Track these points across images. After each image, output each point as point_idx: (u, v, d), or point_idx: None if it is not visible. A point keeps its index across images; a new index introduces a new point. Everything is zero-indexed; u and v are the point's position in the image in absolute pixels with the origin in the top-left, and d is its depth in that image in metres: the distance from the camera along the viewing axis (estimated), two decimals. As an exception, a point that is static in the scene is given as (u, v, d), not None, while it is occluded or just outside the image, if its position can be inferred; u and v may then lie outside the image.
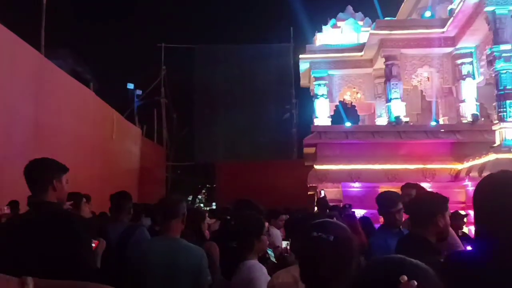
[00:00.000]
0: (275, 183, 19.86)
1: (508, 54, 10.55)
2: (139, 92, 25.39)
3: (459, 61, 13.47)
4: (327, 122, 15.42)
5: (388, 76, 13.62)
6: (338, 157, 12.52)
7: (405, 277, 1.12)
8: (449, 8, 13.30)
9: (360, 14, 16.76)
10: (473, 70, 13.36)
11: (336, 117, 16.21)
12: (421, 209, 2.92)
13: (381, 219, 4.52)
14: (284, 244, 5.20)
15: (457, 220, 6.22)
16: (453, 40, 13.41)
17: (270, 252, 4.33)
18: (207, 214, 5.79)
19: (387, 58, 13.71)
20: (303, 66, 16.66)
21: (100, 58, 27.76)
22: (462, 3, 11.80)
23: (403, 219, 4.04)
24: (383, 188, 8.78)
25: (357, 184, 12.26)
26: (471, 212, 8.26)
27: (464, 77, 13.33)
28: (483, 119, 13.53)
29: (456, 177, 11.95)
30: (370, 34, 14.02)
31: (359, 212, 9.46)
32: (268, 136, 24.99)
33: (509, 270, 1.68)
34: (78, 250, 2.54)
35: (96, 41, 29.51)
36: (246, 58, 25.66)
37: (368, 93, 15.94)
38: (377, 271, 1.22)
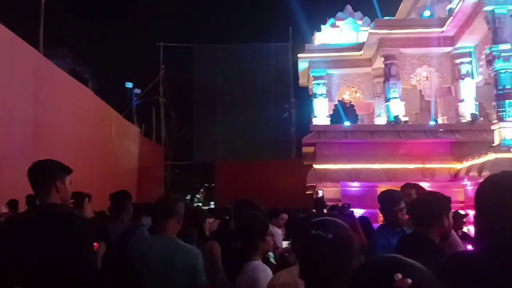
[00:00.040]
0: (274, 182, 19.89)
1: (507, 54, 10.54)
2: (137, 91, 25.41)
3: (458, 61, 13.46)
4: (326, 121, 15.40)
5: (387, 75, 13.61)
6: (337, 157, 12.51)
7: (400, 275, 1.13)
8: (448, 7, 13.30)
9: (359, 13, 16.75)
10: (472, 69, 13.36)
11: (335, 117, 16.21)
12: (426, 209, 2.92)
13: (381, 219, 4.51)
14: (285, 244, 5.20)
15: (457, 220, 6.23)
16: (452, 39, 13.41)
17: (269, 253, 4.33)
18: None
19: (386, 58, 13.71)
20: (302, 65, 16.65)
21: (99, 57, 27.83)
22: (461, 2, 11.79)
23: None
24: (382, 187, 8.77)
25: (356, 184, 12.25)
26: (470, 212, 8.31)
27: (463, 76, 13.32)
28: (482, 118, 13.52)
29: (455, 176, 11.96)
30: (369, 33, 14.01)
31: (358, 212, 9.47)
32: (267, 136, 25.02)
33: (509, 270, 1.69)
34: (78, 250, 2.53)
35: (94, 40, 29.56)
36: (245, 57, 25.68)
37: (367, 93, 15.93)
38: (374, 269, 1.23)
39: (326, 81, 15.72)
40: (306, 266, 1.88)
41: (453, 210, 3.21)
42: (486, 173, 9.48)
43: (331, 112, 15.96)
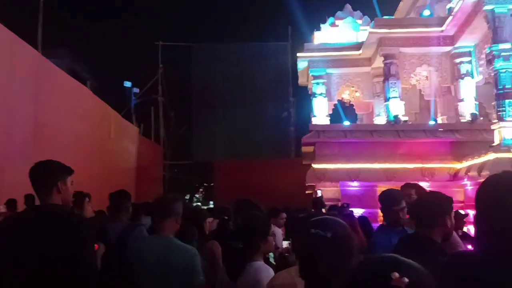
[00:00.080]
0: (273, 182, 19.88)
1: (508, 53, 10.52)
2: (136, 90, 25.38)
3: (458, 60, 13.45)
4: (326, 121, 15.39)
5: (387, 75, 13.60)
6: (336, 156, 12.51)
7: (397, 274, 1.13)
8: (447, 6, 13.28)
9: (358, 12, 16.73)
10: (472, 69, 13.35)
11: (334, 116, 16.20)
12: (427, 209, 2.93)
13: (380, 218, 4.51)
14: (285, 244, 5.20)
15: (458, 220, 6.22)
16: (452, 39, 13.40)
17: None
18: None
19: (386, 57, 13.70)
20: (301, 64, 16.63)
21: (98, 57, 27.76)
22: (461, 1, 11.78)
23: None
24: (381, 187, 8.77)
25: (355, 183, 12.25)
26: (470, 212, 8.31)
27: (463, 76, 13.31)
28: (482, 118, 13.52)
29: (455, 176, 11.96)
30: (369, 32, 13.99)
31: (357, 212, 9.46)
32: (266, 135, 25.00)
33: (510, 270, 1.68)
34: (78, 250, 2.53)
35: (93, 40, 29.51)
36: (244, 56, 25.66)
37: (367, 92, 15.92)
38: (371, 268, 1.23)
39: (325, 80, 15.70)
40: (305, 265, 1.88)
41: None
42: (486, 173, 9.48)
43: (331, 112, 15.94)
